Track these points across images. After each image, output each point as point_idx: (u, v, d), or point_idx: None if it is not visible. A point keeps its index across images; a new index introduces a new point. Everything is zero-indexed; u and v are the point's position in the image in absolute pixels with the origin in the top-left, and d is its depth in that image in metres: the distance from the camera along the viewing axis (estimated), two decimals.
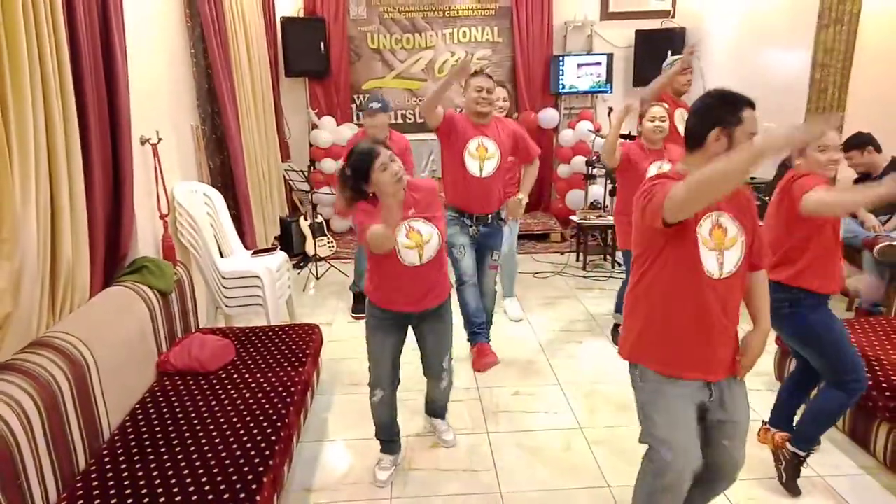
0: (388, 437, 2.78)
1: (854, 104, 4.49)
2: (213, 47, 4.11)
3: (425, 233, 2.44)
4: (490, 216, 3.43)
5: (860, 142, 4.12)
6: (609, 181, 5.74)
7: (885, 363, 2.75)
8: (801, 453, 2.53)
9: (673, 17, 6.61)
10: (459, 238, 3.35)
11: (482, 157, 3.33)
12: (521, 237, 5.15)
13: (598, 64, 6.46)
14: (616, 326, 4.02)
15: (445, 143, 3.35)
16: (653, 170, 3.37)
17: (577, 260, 5.72)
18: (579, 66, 6.46)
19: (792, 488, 2.54)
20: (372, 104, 4.01)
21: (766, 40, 5.37)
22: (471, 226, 3.38)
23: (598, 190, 6.10)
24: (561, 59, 6.44)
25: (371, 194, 2.35)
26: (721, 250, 1.83)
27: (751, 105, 1.80)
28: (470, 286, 3.28)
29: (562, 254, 6.03)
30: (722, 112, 1.80)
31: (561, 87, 6.47)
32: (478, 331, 3.22)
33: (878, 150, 4.11)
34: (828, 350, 2.43)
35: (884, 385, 2.62)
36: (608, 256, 5.66)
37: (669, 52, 4.55)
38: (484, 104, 3.25)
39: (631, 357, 2.00)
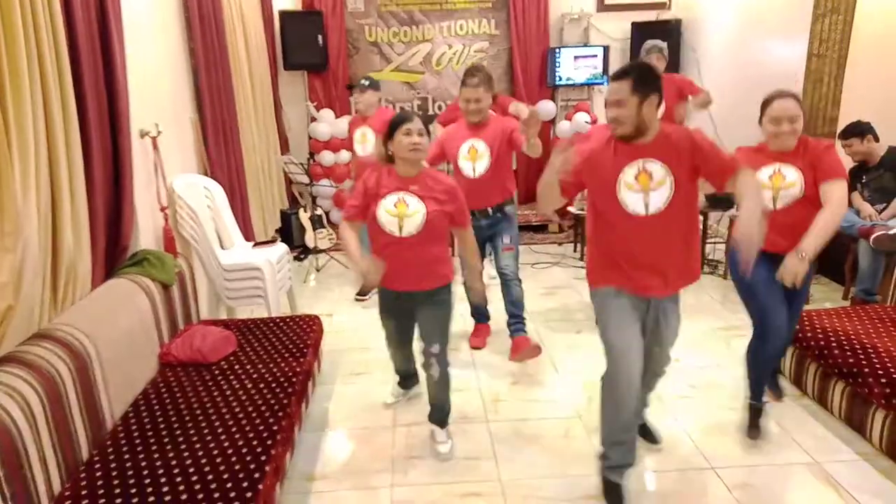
0: (404, 375, 3.16)
1: (849, 94, 4.50)
2: (211, 40, 4.11)
3: (412, 207, 2.54)
4: (490, 209, 3.61)
5: (860, 130, 4.14)
6: None
7: (880, 351, 2.77)
8: (752, 402, 2.86)
9: (669, 8, 6.61)
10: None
11: (473, 158, 3.53)
12: (519, 228, 5.15)
13: (595, 56, 6.47)
14: None
15: (445, 154, 3.65)
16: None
17: (575, 250, 5.74)
18: (576, 58, 6.46)
19: (750, 433, 2.85)
20: (362, 81, 4.42)
21: (762, 31, 5.38)
22: (473, 223, 3.40)
23: None
24: (557, 51, 6.44)
25: (390, 157, 2.58)
26: (647, 191, 2.19)
27: (610, 78, 2.23)
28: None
29: (559, 244, 6.06)
30: None
31: (558, 79, 6.47)
32: (511, 323, 3.70)
33: (877, 139, 4.13)
34: (742, 295, 2.77)
35: (879, 372, 2.65)
36: None
37: (647, 40, 4.50)
38: (474, 113, 3.48)
39: (589, 282, 2.43)
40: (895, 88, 4.31)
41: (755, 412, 2.85)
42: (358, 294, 4.69)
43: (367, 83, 4.37)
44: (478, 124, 3.53)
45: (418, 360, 2.88)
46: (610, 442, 2.42)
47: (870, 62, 4.36)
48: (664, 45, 4.24)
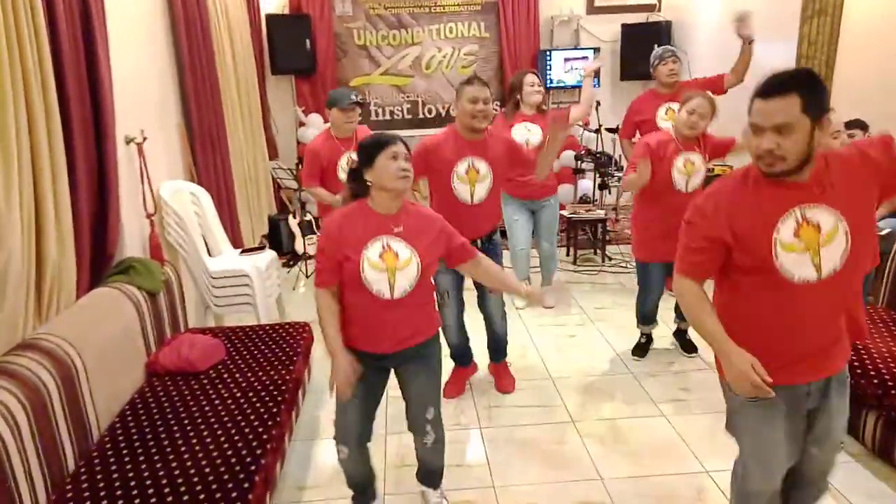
0: (364, 484, 2.39)
1: (838, 96, 4.52)
2: (197, 45, 4.08)
3: (402, 256, 2.04)
4: (480, 240, 3.01)
5: (863, 124, 4.16)
6: (598, 176, 5.76)
7: (872, 352, 2.77)
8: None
9: (658, 10, 6.63)
10: (443, 279, 3.02)
11: (472, 181, 2.92)
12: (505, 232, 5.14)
13: (585, 58, 6.47)
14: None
15: (430, 172, 2.99)
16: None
17: (568, 255, 5.73)
18: (566, 60, 6.46)
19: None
20: (351, 96, 3.65)
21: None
22: None
23: (587, 184, 6.11)
24: (548, 53, 6.45)
25: (368, 186, 2.06)
26: (817, 250, 1.62)
27: (760, 94, 1.60)
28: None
29: None
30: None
31: (549, 81, 6.47)
32: (455, 357, 3.35)
33: None
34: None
35: (872, 373, 2.65)
36: (598, 251, 5.67)
37: (656, 45, 4.56)
38: (480, 118, 2.85)
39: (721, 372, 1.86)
40: (882, 90, 4.34)
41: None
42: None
43: (355, 99, 3.65)
44: (477, 140, 2.93)
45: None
46: None
47: (857, 64, 4.38)
48: (675, 48, 4.27)
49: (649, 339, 3.78)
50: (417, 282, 2.07)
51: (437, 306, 2.38)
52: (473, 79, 2.93)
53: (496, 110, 3.97)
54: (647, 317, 3.70)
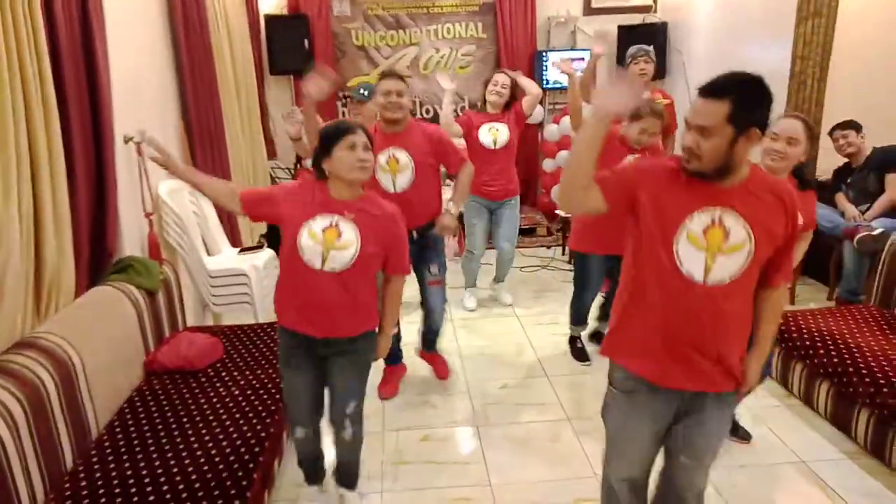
0: (314, 463, 2.46)
1: (832, 96, 4.55)
2: (196, 45, 4.09)
3: (346, 237, 2.06)
4: (415, 231, 3.08)
5: (856, 124, 4.19)
6: None
7: (864, 350, 2.80)
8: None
9: (655, 11, 6.65)
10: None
11: (394, 171, 3.04)
12: None
13: (582, 59, 6.47)
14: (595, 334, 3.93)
15: None
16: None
17: (563, 253, 5.75)
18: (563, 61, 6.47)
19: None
20: (361, 91, 3.84)
21: (747, 33, 5.42)
22: None
23: None
24: (545, 54, 6.47)
25: (324, 176, 2.10)
26: (713, 253, 1.61)
27: (700, 92, 1.59)
28: None
29: (548, 248, 6.07)
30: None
31: (545, 82, 6.49)
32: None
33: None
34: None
35: (863, 371, 2.67)
36: None
37: (632, 43, 4.51)
38: (393, 109, 2.97)
39: (604, 349, 1.94)
40: (877, 91, 4.37)
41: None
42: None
43: (365, 93, 3.77)
44: (396, 132, 3.05)
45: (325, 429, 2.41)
46: None
47: (852, 65, 4.41)
48: (650, 48, 4.27)
49: (581, 341, 3.78)
50: (350, 266, 2.07)
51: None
52: (389, 73, 3.05)
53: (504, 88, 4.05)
54: (581, 316, 3.68)
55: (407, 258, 2.29)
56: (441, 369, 3.57)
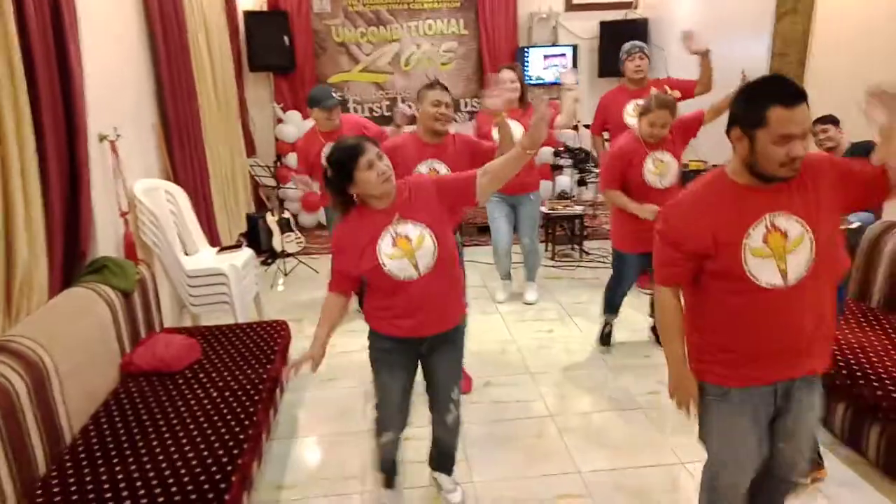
0: (393, 466, 2.47)
1: (810, 92, 4.56)
2: (172, 41, 4.03)
3: (414, 236, 2.05)
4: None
5: (835, 119, 4.21)
6: (576, 172, 5.79)
7: (841, 343, 2.82)
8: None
9: (636, 8, 6.68)
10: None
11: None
12: (485, 229, 5.14)
13: (564, 55, 6.50)
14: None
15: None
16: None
17: (546, 250, 5.75)
18: (545, 57, 6.49)
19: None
20: (333, 96, 3.87)
21: (727, 30, 5.45)
22: None
23: (565, 180, 6.14)
24: (526, 50, 6.47)
25: (354, 198, 2.09)
26: (782, 256, 1.64)
27: (783, 102, 1.54)
28: None
29: None
30: (742, 109, 1.62)
31: (527, 78, 6.48)
32: None
33: None
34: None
35: (840, 364, 2.69)
36: (576, 246, 5.70)
37: (614, 39, 4.55)
38: (442, 121, 2.92)
39: (695, 371, 1.86)
40: (853, 86, 4.40)
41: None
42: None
43: (336, 100, 3.83)
44: (438, 143, 3.00)
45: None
46: None
47: (828, 61, 4.45)
48: (644, 44, 4.28)
49: (610, 326, 3.82)
50: (438, 254, 2.06)
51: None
52: (435, 83, 2.99)
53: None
54: (614, 306, 3.73)
55: (480, 145, 2.47)
56: (464, 384, 3.18)
